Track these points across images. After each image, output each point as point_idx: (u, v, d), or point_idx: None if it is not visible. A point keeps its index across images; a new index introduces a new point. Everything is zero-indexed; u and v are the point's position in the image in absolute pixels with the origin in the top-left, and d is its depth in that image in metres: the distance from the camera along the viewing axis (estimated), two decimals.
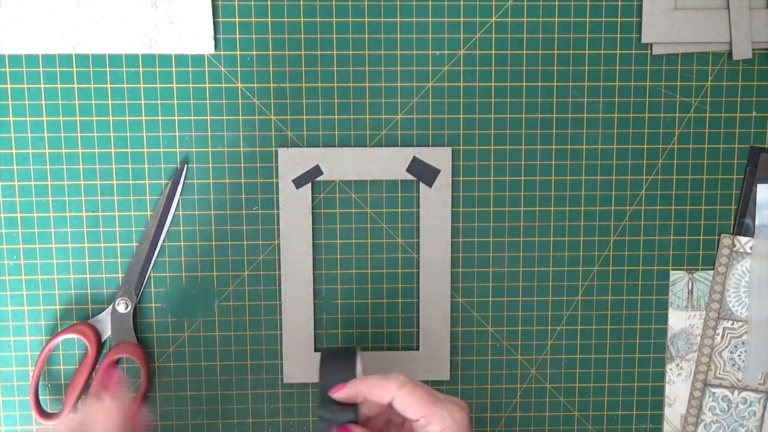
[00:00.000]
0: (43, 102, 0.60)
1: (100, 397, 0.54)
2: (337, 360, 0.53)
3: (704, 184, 0.63)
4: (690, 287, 0.64)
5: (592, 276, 0.64)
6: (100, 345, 0.61)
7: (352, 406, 0.50)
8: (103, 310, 0.61)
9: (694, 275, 0.64)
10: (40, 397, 0.61)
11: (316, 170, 0.61)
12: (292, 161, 0.61)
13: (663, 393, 0.65)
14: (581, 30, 0.61)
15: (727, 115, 0.62)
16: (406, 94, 0.61)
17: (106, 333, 0.61)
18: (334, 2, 0.60)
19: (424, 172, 0.61)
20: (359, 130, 0.61)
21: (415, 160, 0.61)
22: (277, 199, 0.61)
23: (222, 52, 0.60)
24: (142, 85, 0.60)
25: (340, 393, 0.50)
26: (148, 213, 0.61)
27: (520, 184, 0.62)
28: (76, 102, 0.60)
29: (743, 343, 0.64)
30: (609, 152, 0.62)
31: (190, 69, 0.60)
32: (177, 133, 0.60)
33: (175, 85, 0.60)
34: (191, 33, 0.59)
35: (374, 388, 0.49)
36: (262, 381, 0.63)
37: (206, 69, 0.60)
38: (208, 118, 0.60)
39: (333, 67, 0.60)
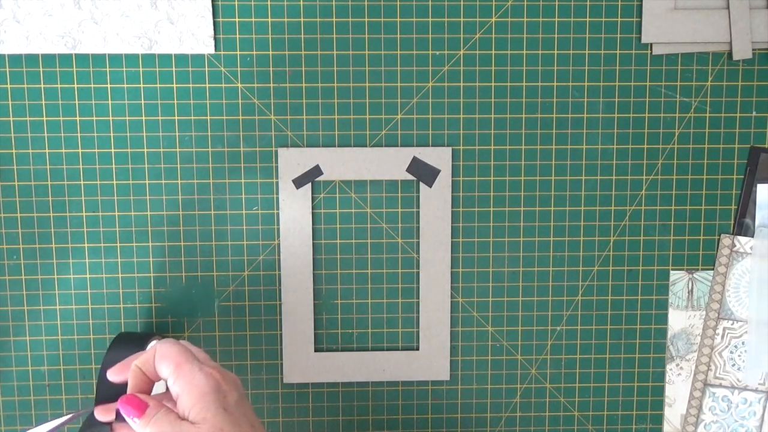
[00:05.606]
0: (43, 102, 0.60)
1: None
2: (126, 345, 0.51)
3: (704, 184, 0.63)
4: (690, 287, 0.64)
5: (592, 276, 0.64)
6: None
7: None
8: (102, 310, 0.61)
9: (694, 275, 0.64)
10: (39, 397, 0.61)
11: (316, 170, 0.61)
12: (292, 161, 0.61)
13: (663, 393, 0.65)
14: (581, 30, 0.61)
15: (727, 115, 0.62)
16: (406, 94, 0.61)
17: None
18: (334, 2, 0.60)
19: (424, 172, 0.61)
20: (359, 130, 0.61)
21: (415, 160, 0.61)
22: (277, 199, 0.61)
23: (222, 52, 0.60)
24: (142, 85, 0.60)
25: (114, 369, 0.48)
26: (148, 213, 0.61)
27: (520, 184, 0.62)
28: (76, 102, 0.60)
29: (743, 343, 0.64)
30: (609, 152, 0.62)
31: (190, 69, 0.60)
32: (177, 133, 0.60)
33: (175, 85, 0.60)
34: (191, 33, 0.59)
35: (144, 358, 0.47)
36: (262, 381, 0.63)
37: (206, 69, 0.60)
38: (208, 118, 0.60)
39: (333, 67, 0.60)
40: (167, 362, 0.46)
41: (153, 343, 0.55)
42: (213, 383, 0.45)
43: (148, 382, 0.47)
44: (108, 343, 0.61)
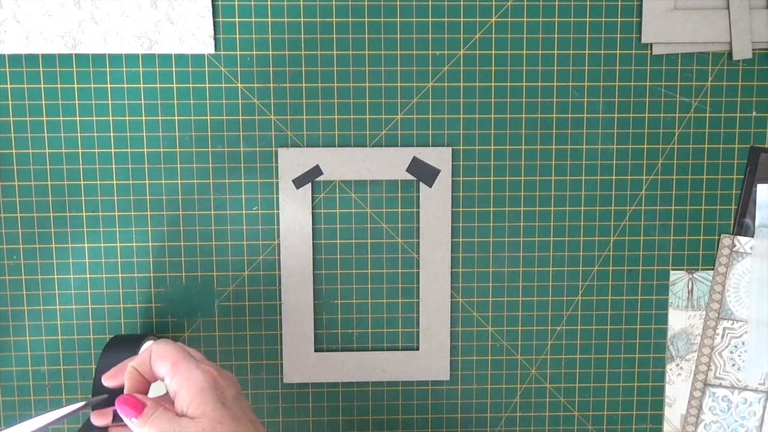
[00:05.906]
0: (43, 102, 0.60)
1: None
2: (119, 348, 0.51)
3: (704, 184, 0.63)
4: (690, 287, 0.64)
5: (592, 276, 0.64)
6: None
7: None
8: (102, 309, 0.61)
9: (694, 275, 0.64)
10: (39, 397, 0.61)
11: (316, 170, 0.61)
12: (292, 161, 0.61)
13: (663, 393, 0.65)
14: (581, 30, 0.61)
15: (727, 115, 0.62)
16: (406, 94, 0.61)
17: None
18: (334, 2, 0.60)
19: (424, 172, 0.61)
20: (359, 130, 0.61)
21: (415, 160, 0.61)
22: (277, 199, 0.61)
23: (222, 52, 0.60)
24: (142, 85, 0.60)
25: (109, 374, 0.48)
26: (148, 213, 0.61)
27: (520, 184, 0.62)
28: (76, 102, 0.60)
29: (743, 343, 0.64)
30: (609, 152, 0.62)
31: (190, 69, 0.60)
32: (177, 133, 0.60)
33: (175, 85, 0.60)
34: (191, 33, 0.59)
35: (140, 358, 0.47)
36: (262, 381, 0.63)
37: (206, 69, 0.60)
38: (208, 118, 0.60)
39: (333, 67, 0.60)
40: (164, 361, 0.46)
41: (147, 343, 0.55)
42: (210, 379, 0.46)
43: (145, 383, 0.47)
44: None
